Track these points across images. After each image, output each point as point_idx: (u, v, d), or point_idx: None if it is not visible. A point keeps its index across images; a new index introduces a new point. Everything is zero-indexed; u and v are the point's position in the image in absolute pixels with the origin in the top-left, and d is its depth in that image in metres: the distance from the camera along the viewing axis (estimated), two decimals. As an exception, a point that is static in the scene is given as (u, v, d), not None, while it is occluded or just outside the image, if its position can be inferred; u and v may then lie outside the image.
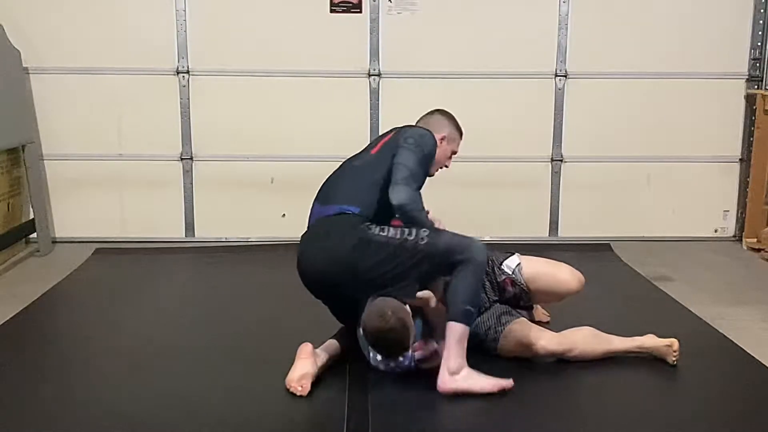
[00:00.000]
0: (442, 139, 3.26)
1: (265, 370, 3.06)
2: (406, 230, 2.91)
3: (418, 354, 2.93)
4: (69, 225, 5.32)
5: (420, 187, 3.05)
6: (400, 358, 2.88)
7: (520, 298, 3.27)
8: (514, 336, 3.10)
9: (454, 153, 3.34)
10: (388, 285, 2.88)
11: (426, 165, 3.11)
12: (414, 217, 2.95)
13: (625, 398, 2.94)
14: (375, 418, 2.71)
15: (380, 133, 3.40)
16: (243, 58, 5.21)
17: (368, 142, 3.39)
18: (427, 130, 3.20)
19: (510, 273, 3.24)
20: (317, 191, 3.16)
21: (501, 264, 3.26)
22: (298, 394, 2.83)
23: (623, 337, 3.19)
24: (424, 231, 2.91)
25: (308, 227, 3.10)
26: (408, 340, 2.82)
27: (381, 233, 2.91)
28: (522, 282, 3.23)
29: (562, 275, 3.24)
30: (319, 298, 3.10)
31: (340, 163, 3.24)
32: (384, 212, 3.02)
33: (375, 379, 2.97)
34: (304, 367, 2.90)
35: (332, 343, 3.09)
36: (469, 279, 2.86)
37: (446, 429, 2.79)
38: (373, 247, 2.88)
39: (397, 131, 3.19)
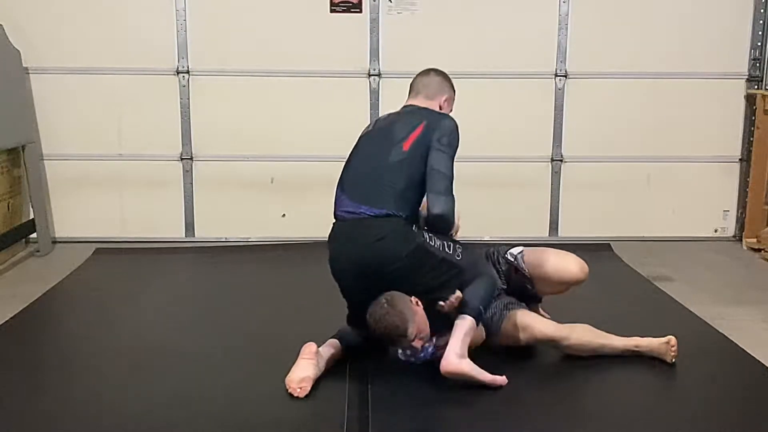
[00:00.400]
0: (446, 100, 3.28)
1: (266, 369, 3.05)
2: (444, 243, 3.01)
3: (439, 341, 2.98)
4: (69, 225, 5.32)
5: None
6: (426, 344, 2.93)
7: (525, 287, 3.31)
8: (514, 319, 3.17)
9: (450, 111, 3.35)
10: (430, 293, 2.96)
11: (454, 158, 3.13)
12: (449, 227, 3.07)
13: (625, 398, 2.94)
14: (375, 417, 2.72)
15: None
16: (243, 58, 5.21)
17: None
18: (450, 117, 3.18)
19: (512, 260, 3.30)
20: (343, 179, 3.11)
21: (505, 254, 3.34)
22: (296, 395, 2.83)
23: (621, 337, 3.21)
24: (458, 247, 3.04)
25: (346, 221, 3.02)
26: (405, 326, 2.83)
27: (430, 242, 2.98)
28: (523, 268, 3.27)
29: (564, 262, 3.27)
30: (349, 294, 3.06)
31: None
32: (415, 212, 3.07)
33: (375, 378, 2.98)
34: (306, 368, 2.89)
35: (334, 342, 3.08)
36: (485, 286, 3.04)
37: (446, 428, 2.79)
38: (426, 257, 2.96)
39: (427, 125, 3.08)
